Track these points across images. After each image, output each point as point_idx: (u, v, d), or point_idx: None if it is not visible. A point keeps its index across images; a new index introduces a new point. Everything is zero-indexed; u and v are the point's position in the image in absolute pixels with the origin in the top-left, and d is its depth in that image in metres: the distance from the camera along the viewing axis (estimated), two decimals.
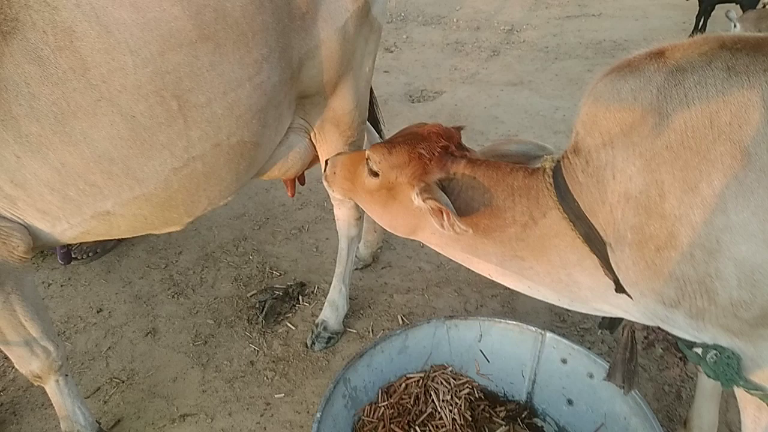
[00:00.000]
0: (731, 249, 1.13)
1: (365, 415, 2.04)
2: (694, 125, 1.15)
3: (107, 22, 1.40)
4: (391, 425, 2.03)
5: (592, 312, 1.56)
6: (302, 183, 2.63)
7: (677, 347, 1.60)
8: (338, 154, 1.87)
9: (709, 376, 1.34)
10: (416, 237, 1.64)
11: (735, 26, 5.59)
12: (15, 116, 1.40)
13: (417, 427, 2.05)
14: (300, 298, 3.09)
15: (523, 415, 2.18)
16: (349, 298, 2.93)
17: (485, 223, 1.48)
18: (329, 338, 2.76)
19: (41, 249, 1.80)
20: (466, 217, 1.47)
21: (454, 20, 7.43)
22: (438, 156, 1.51)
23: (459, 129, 1.62)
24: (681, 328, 1.36)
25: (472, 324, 2.19)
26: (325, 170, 1.84)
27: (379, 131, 3.14)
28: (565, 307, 1.57)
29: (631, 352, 1.68)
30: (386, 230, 1.76)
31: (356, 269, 3.26)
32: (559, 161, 1.42)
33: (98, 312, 3.05)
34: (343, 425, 1.95)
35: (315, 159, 2.39)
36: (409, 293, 3.11)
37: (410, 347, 2.17)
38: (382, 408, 2.06)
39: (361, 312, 2.99)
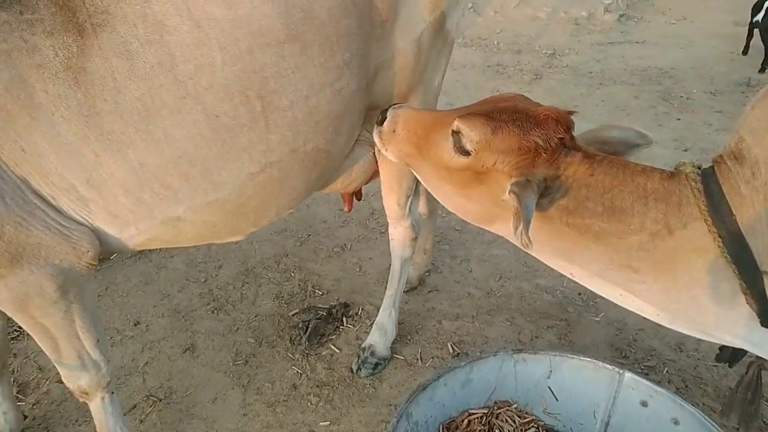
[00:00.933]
0: None
1: None
2: None
3: (198, 17, 1.33)
4: None
5: (699, 336, 1.39)
6: (359, 198, 2.52)
7: None
8: (399, 105, 1.60)
9: None
10: (492, 228, 1.48)
11: None
12: (99, 112, 1.33)
13: None
14: (344, 319, 2.96)
15: None
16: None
17: (601, 227, 1.31)
18: (376, 364, 2.61)
19: (105, 256, 1.70)
20: (577, 219, 1.31)
21: (495, 43, 7.36)
22: (553, 148, 1.31)
23: (571, 114, 1.41)
24: None
25: (542, 359, 2.03)
26: (380, 122, 1.59)
27: None
28: (663, 324, 1.40)
29: (754, 393, 1.52)
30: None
31: (403, 292, 3.12)
32: (706, 168, 1.26)
33: (135, 325, 2.95)
34: None
35: (375, 174, 2.28)
36: (458, 320, 2.95)
37: (474, 381, 2.01)
38: None
39: (408, 338, 2.84)
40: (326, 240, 3.65)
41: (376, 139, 1.60)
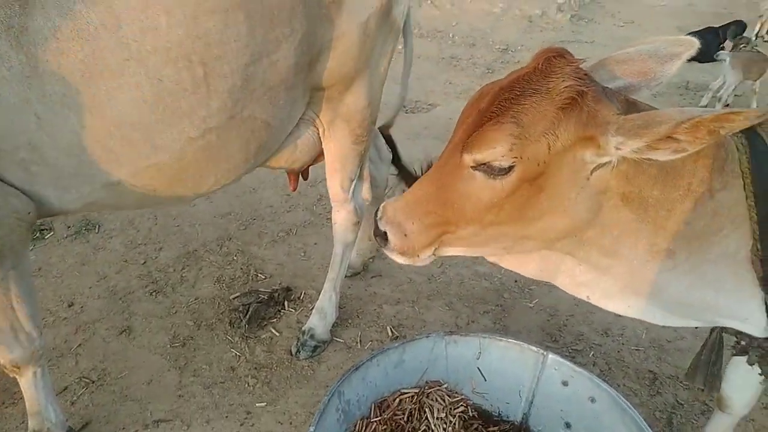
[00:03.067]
0: None
1: (357, 430, 1.93)
2: None
3: None
4: None
5: (697, 324, 1.39)
6: (305, 178, 2.52)
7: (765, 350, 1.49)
8: (381, 211, 1.32)
9: None
10: (583, 238, 1.23)
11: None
12: (40, 73, 1.30)
13: None
14: (285, 303, 2.97)
15: None
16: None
17: (654, 197, 1.16)
18: (315, 347, 2.64)
19: (41, 218, 1.67)
20: (634, 189, 1.15)
21: (450, 35, 7.44)
22: (594, 89, 1.10)
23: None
24: None
25: (471, 341, 2.10)
26: (384, 239, 1.30)
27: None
28: (667, 325, 1.40)
29: (717, 355, 1.59)
30: None
31: (345, 277, 3.15)
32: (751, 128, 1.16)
33: (69, 306, 2.88)
34: None
35: (320, 156, 2.30)
36: (399, 304, 3.01)
37: (407, 362, 2.06)
38: (375, 424, 1.95)
39: (349, 321, 2.88)
40: (271, 225, 3.64)
41: (399, 260, 1.33)
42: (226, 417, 2.33)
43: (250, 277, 3.16)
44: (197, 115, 1.51)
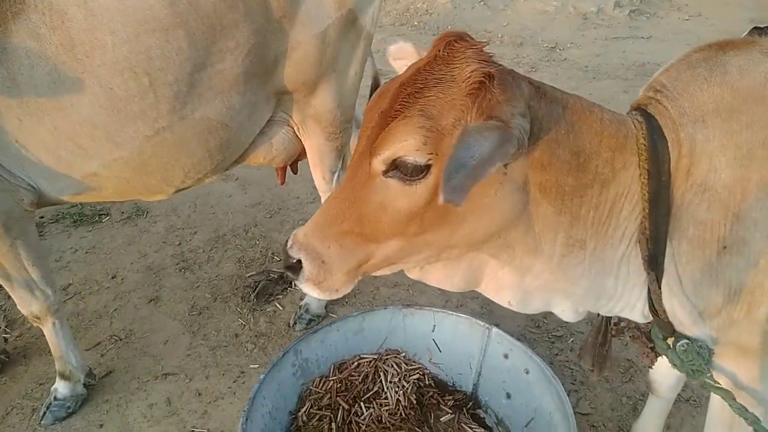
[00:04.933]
0: None
1: (314, 385, 2.20)
2: None
3: (93, 6, 1.67)
4: (337, 397, 2.18)
5: (600, 312, 1.39)
6: (294, 172, 2.83)
7: (648, 336, 1.53)
8: (290, 241, 1.20)
9: (674, 366, 1.32)
10: (508, 239, 1.21)
11: None
12: (18, 84, 1.68)
13: (362, 403, 2.19)
14: (293, 283, 3.29)
15: (468, 406, 2.28)
16: None
17: (569, 185, 1.13)
18: (310, 320, 2.94)
19: (48, 205, 2.08)
20: (551, 178, 1.12)
21: (499, 35, 7.52)
22: (500, 72, 1.04)
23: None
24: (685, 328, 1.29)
25: (426, 314, 2.32)
26: (295, 275, 1.19)
27: None
28: (572, 321, 1.43)
29: (603, 337, 1.62)
30: None
31: None
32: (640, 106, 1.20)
33: (112, 278, 3.37)
34: (290, 392, 2.12)
35: (303, 153, 2.59)
36: (395, 287, 3.25)
37: (366, 330, 2.32)
38: (332, 381, 2.22)
39: (346, 300, 3.16)
40: (294, 214, 3.99)
41: (315, 293, 1.20)
42: (223, 374, 2.69)
43: (267, 259, 3.52)
44: (148, 116, 1.83)
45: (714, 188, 1.14)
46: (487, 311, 3.08)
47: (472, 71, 1.04)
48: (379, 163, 1.09)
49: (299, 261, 1.19)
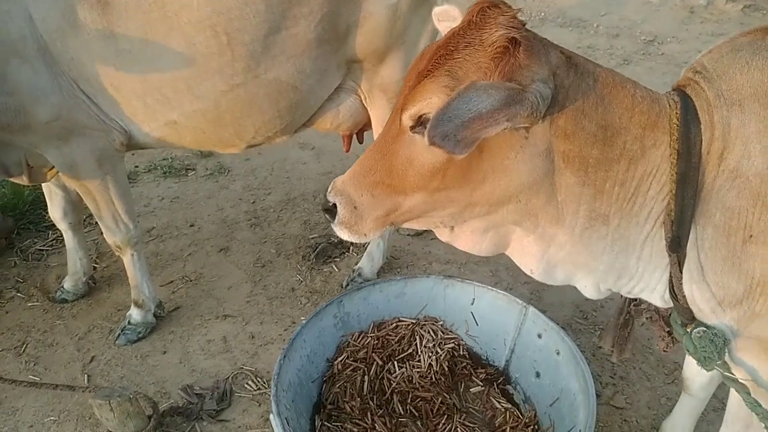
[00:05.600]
0: None
1: (352, 338, 2.34)
2: None
3: None
4: (373, 353, 2.31)
5: (621, 291, 1.40)
6: (360, 141, 2.96)
7: (666, 320, 1.51)
8: (337, 178, 1.34)
9: (687, 351, 1.33)
10: (529, 206, 1.23)
11: None
12: (115, 35, 1.92)
13: (396, 362, 2.32)
14: (350, 247, 3.46)
15: (499, 381, 2.34)
16: (392, 257, 3.25)
17: (595, 157, 1.15)
18: (361, 284, 3.08)
19: (136, 148, 2.34)
20: (575, 148, 1.15)
21: (594, 25, 7.23)
22: (527, 39, 1.08)
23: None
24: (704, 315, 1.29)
25: (467, 287, 2.39)
26: (332, 216, 1.33)
27: None
28: (593, 297, 1.43)
29: (626, 319, 1.62)
30: None
31: (408, 235, 3.55)
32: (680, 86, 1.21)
33: (190, 226, 3.68)
34: (329, 341, 2.27)
35: (369, 123, 2.71)
36: (447, 264, 3.33)
37: (407, 294, 2.42)
38: (369, 338, 2.35)
39: (398, 270, 3.28)
40: None
41: (345, 235, 1.33)
42: (276, 322, 2.90)
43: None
44: (225, 72, 2.01)
45: (746, 175, 1.12)
46: (536, 297, 3.09)
47: (499, 36, 1.09)
48: (407, 119, 1.17)
49: (335, 205, 1.32)
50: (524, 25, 1.15)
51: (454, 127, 0.99)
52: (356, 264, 3.21)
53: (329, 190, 1.34)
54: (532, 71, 1.08)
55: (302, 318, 2.92)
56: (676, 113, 1.17)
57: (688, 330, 1.33)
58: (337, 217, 1.32)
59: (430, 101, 1.12)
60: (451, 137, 1.00)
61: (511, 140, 1.15)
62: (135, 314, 2.73)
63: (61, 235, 3.06)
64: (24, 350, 2.74)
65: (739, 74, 1.16)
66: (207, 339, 2.80)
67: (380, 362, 2.29)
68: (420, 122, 1.16)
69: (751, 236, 1.15)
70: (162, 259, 3.37)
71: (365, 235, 1.33)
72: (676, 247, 1.22)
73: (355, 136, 2.89)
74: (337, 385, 2.21)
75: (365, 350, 2.31)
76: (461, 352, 2.40)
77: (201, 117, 2.11)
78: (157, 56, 1.95)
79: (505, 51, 1.08)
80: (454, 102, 1.00)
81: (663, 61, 6.37)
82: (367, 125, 2.75)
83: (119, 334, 2.73)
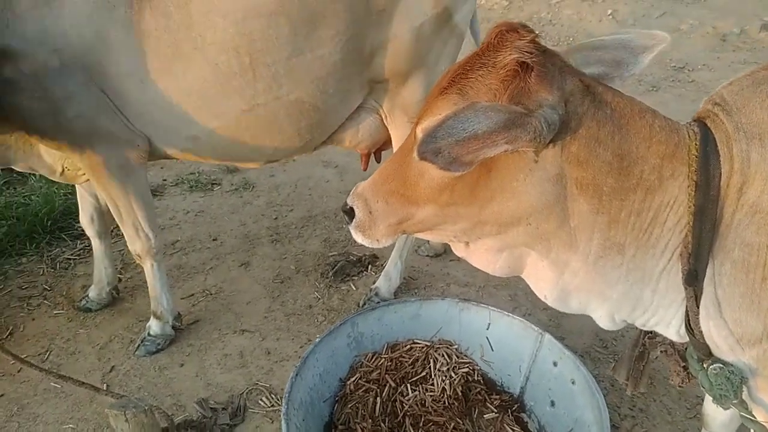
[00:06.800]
0: None
1: (366, 359, 2.34)
2: None
3: None
4: (386, 375, 2.31)
5: (636, 323, 1.38)
6: (377, 160, 2.98)
7: (681, 355, 1.49)
8: (360, 183, 1.41)
9: (703, 387, 1.31)
10: (540, 230, 1.24)
11: None
12: (145, 52, 1.99)
13: (409, 384, 2.31)
14: (369, 267, 3.47)
15: (513, 408, 2.31)
16: (410, 278, 3.25)
17: (609, 186, 1.15)
18: (378, 303, 3.09)
19: (159, 158, 2.41)
20: (588, 175, 1.15)
21: None
22: (540, 64, 1.10)
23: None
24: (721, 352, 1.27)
25: (482, 311, 2.37)
26: (350, 219, 1.40)
27: None
28: (608, 328, 1.41)
29: (642, 352, 1.59)
30: None
31: (427, 256, 3.55)
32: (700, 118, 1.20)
33: (213, 240, 3.75)
34: (342, 360, 2.28)
35: (387, 142, 2.74)
36: (466, 287, 3.31)
37: (422, 316, 2.42)
38: (383, 359, 2.35)
39: (416, 291, 3.28)
40: None
41: (359, 238, 1.39)
42: (293, 339, 2.91)
43: (350, 242, 3.72)
44: (246, 93, 2.06)
45: (765, 210, 1.11)
46: (555, 324, 3.05)
47: (511, 59, 1.11)
48: (419, 132, 1.20)
49: (353, 209, 1.39)
50: (544, 50, 1.16)
51: (447, 144, 1.01)
52: (374, 284, 3.22)
53: (351, 193, 1.41)
54: (541, 96, 1.10)
55: (319, 336, 2.94)
56: (696, 144, 1.16)
57: (705, 366, 1.30)
58: (354, 219, 1.39)
59: (439, 117, 1.13)
60: (445, 154, 1.02)
61: (519, 162, 1.16)
62: (154, 326, 2.77)
63: (89, 245, 3.15)
64: (47, 357, 2.81)
65: (759, 108, 1.15)
66: (224, 353, 2.83)
67: (393, 384, 2.28)
68: None
69: None
70: (184, 272, 3.43)
71: (378, 240, 1.39)
72: (693, 280, 1.20)
73: (372, 155, 2.92)
74: (349, 406, 2.20)
75: (378, 371, 2.31)
76: (476, 377, 2.38)
77: (221, 134, 2.16)
78: (181, 74, 2.01)
79: (515, 74, 1.11)
80: (449, 120, 1.02)
81: (693, 88, 6.30)
82: (385, 144, 2.78)
83: (139, 345, 2.78)
